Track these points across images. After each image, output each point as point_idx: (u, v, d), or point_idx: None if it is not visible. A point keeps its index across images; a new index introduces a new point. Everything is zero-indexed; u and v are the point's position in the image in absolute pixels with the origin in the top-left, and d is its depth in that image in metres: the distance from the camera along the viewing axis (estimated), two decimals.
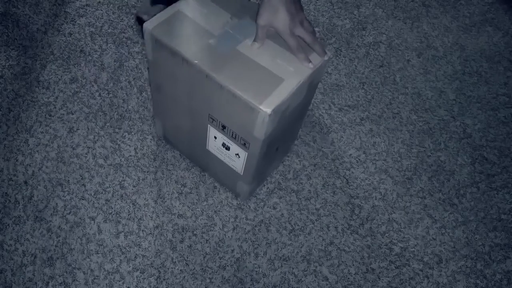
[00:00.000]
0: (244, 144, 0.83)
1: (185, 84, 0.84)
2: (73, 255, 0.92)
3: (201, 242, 0.96)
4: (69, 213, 0.97)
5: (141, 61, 1.25)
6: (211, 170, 1.02)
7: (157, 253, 0.94)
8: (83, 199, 0.99)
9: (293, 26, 0.80)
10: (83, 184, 1.02)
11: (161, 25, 0.82)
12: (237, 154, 0.88)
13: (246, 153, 0.85)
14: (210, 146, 0.93)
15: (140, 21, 1.28)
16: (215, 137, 0.89)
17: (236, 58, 0.79)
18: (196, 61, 0.77)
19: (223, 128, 0.85)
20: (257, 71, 0.78)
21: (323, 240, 1.00)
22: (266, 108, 0.73)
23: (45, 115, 1.12)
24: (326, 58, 0.83)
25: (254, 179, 0.95)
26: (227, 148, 0.89)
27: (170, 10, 0.84)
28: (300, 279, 0.94)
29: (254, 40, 0.81)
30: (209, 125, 0.88)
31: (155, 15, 0.84)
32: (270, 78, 0.77)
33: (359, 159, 1.14)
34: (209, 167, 1.02)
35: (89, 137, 1.09)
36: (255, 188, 1.02)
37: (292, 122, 0.92)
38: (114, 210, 0.99)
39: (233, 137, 0.84)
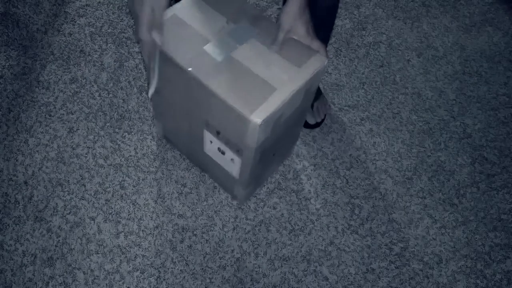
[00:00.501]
0: (238, 150, 0.83)
1: (181, 89, 0.84)
2: (73, 255, 0.92)
3: (201, 242, 0.96)
4: (69, 213, 0.97)
5: (141, 61, 1.25)
6: (210, 171, 1.02)
7: (157, 253, 0.94)
8: (83, 199, 0.99)
9: (311, 29, 0.81)
10: (83, 184, 1.02)
11: None
12: (232, 160, 0.87)
13: (240, 160, 0.85)
14: (207, 149, 0.93)
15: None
16: (211, 141, 0.89)
17: (230, 65, 0.78)
18: (189, 69, 0.77)
19: (217, 133, 0.84)
20: (251, 79, 0.77)
21: (323, 240, 1.00)
22: (257, 118, 0.72)
23: (45, 115, 1.12)
24: (325, 62, 0.82)
25: (250, 184, 0.94)
26: (223, 153, 0.89)
27: (165, 14, 0.84)
28: (300, 279, 0.94)
29: (274, 44, 0.80)
30: (205, 130, 0.87)
31: None
32: (263, 87, 0.76)
33: (359, 159, 1.14)
34: (208, 169, 1.02)
35: (89, 137, 1.09)
36: (253, 191, 1.02)
37: (289, 128, 0.91)
38: (114, 210, 0.99)
39: (227, 143, 0.84)
